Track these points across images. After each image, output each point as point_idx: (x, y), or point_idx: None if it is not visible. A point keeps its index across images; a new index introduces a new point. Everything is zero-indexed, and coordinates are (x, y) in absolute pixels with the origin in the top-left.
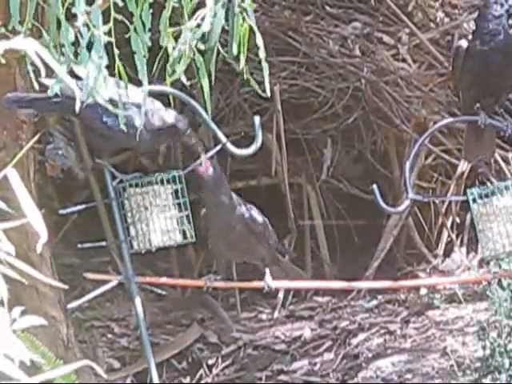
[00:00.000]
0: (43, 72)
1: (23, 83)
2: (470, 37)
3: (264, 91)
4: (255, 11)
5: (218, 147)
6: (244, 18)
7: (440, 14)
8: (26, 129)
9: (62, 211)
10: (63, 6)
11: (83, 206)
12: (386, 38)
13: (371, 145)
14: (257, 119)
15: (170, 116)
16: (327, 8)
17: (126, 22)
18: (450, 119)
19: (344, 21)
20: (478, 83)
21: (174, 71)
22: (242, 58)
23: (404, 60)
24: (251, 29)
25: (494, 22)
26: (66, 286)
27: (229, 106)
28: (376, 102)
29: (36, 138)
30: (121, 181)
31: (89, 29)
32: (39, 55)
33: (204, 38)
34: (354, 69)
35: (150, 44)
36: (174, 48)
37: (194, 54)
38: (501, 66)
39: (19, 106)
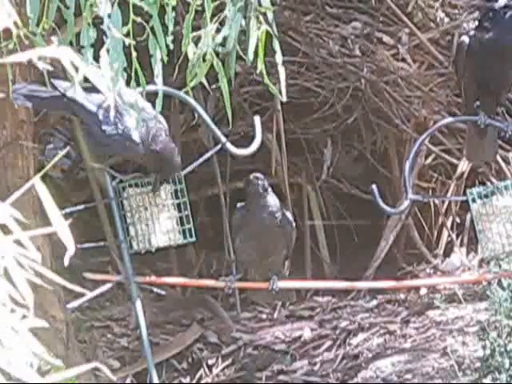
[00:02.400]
0: (77, 79)
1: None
2: (472, 32)
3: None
4: None
5: (218, 147)
6: (260, 22)
7: (440, 14)
8: (25, 128)
9: (61, 211)
10: (83, 7)
11: (83, 206)
12: (385, 38)
13: (371, 145)
14: (257, 119)
15: (170, 147)
16: (327, 8)
17: (145, 24)
18: (450, 119)
19: (344, 21)
20: (478, 76)
21: (195, 75)
22: (260, 61)
23: (404, 60)
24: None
25: (493, 14)
26: (84, 290)
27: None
28: (376, 101)
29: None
30: (120, 181)
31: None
32: (73, 63)
33: (223, 42)
34: (354, 69)
35: (172, 47)
36: (194, 53)
37: (213, 58)
38: (499, 57)
39: (28, 100)
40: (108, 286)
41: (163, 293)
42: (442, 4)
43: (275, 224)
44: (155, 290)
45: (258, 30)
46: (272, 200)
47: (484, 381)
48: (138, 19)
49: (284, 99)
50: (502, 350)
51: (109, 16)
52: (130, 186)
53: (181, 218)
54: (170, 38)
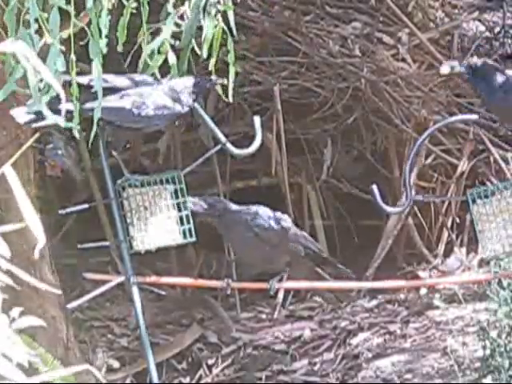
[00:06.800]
0: (31, 73)
1: (23, 83)
2: None
3: (227, 96)
4: (255, 11)
5: (218, 147)
6: (218, 20)
7: (440, 14)
8: (25, 128)
9: (61, 211)
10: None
11: (83, 206)
12: (386, 38)
13: (371, 145)
14: (257, 119)
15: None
16: (327, 8)
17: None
18: (450, 119)
19: (344, 21)
20: None
21: (147, 66)
22: (213, 58)
23: (404, 60)
24: (230, 31)
25: None
26: (60, 291)
27: (229, 106)
28: (376, 101)
29: (35, 137)
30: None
31: (41, 36)
32: (27, 57)
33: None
34: (353, 69)
35: (105, 51)
36: (148, 42)
37: (168, 52)
38: None
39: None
40: (108, 285)
41: (163, 293)
42: (442, 4)
43: (252, 238)
44: (155, 290)
45: (215, 27)
46: (237, 216)
47: (484, 381)
48: (79, 23)
49: (230, 100)
50: (502, 350)
51: (47, 20)
52: (130, 186)
53: (181, 217)
54: (104, 41)
